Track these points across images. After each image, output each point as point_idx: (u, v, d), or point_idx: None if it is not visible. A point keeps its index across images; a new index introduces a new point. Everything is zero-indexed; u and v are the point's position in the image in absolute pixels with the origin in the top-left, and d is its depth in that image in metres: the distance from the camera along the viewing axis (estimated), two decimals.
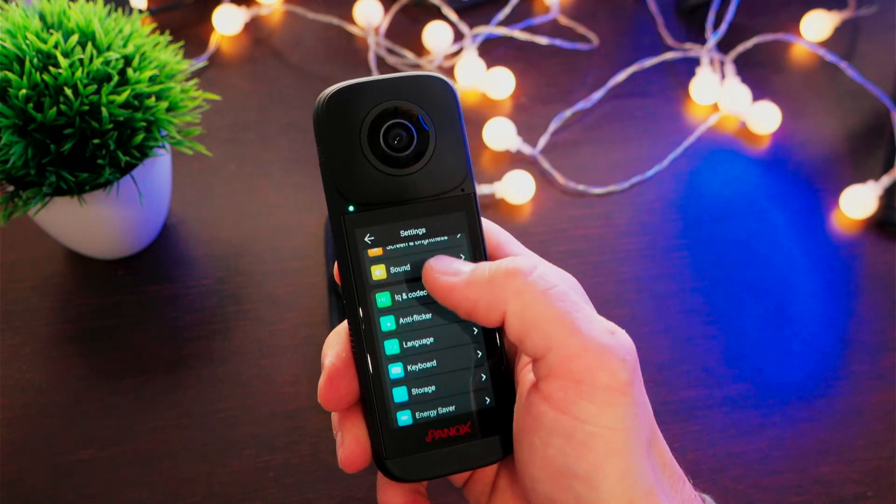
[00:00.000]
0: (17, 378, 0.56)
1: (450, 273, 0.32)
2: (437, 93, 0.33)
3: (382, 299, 0.33)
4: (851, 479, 0.53)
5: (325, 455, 0.53)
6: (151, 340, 0.58)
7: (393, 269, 0.33)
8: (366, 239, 0.33)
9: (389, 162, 0.33)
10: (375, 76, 0.33)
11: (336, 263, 0.33)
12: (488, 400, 0.33)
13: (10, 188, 0.52)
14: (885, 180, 0.66)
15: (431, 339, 0.33)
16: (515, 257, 0.32)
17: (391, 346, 0.33)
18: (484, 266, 0.31)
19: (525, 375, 0.32)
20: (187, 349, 0.57)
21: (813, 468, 0.54)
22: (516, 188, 0.65)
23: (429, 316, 0.33)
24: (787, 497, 0.53)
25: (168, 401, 0.55)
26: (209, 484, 0.52)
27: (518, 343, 0.31)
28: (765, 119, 0.70)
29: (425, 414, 0.33)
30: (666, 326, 0.60)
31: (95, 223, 0.56)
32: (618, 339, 0.30)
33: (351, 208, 0.32)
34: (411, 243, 0.33)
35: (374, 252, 0.33)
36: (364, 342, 0.32)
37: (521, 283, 0.30)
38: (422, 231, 0.33)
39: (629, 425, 0.29)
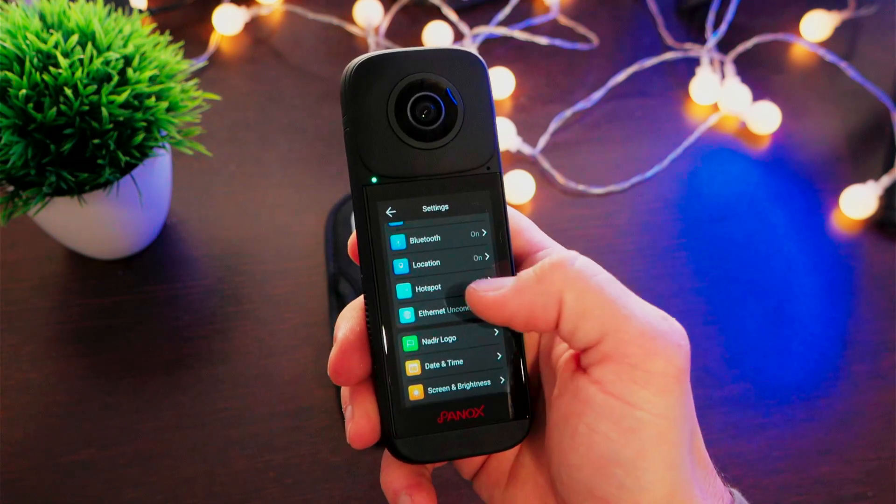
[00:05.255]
0: (17, 378, 0.56)
1: (493, 288, 0.31)
2: (468, 68, 0.32)
3: (401, 273, 0.32)
4: (851, 479, 0.53)
5: (325, 455, 0.53)
6: (151, 340, 0.58)
7: (413, 243, 0.32)
8: (387, 212, 0.32)
9: (415, 135, 0.32)
10: (406, 48, 0.32)
11: (354, 235, 0.32)
12: (505, 385, 0.33)
13: (10, 188, 0.52)
14: (885, 180, 0.66)
15: (449, 319, 0.32)
16: (554, 253, 0.31)
17: (407, 321, 0.32)
18: (526, 270, 0.30)
19: (563, 364, 0.31)
20: (187, 349, 0.57)
21: (813, 468, 0.54)
22: (516, 188, 0.65)
23: (447, 296, 0.32)
24: (787, 497, 0.53)
25: (168, 401, 0.55)
26: (209, 484, 0.52)
27: (569, 335, 0.29)
28: (765, 119, 0.70)
29: (438, 394, 0.32)
30: None
31: (95, 223, 0.56)
32: (672, 325, 0.30)
33: (374, 180, 0.32)
34: (433, 219, 0.32)
35: (395, 225, 0.32)
36: (379, 316, 0.32)
37: (569, 271, 0.29)
38: (445, 207, 0.32)
39: (679, 414, 0.29)
